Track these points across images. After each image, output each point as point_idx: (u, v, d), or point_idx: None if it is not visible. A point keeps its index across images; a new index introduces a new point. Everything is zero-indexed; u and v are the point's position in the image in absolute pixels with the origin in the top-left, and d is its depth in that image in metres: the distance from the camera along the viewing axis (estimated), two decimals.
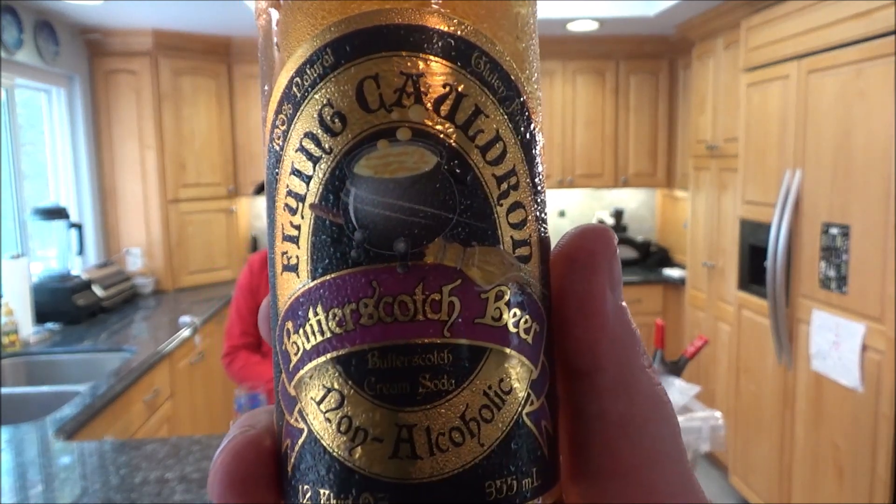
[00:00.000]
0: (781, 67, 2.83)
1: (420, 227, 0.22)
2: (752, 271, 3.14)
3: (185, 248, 4.11)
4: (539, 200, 0.25)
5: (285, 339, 0.24)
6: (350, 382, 0.23)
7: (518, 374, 0.24)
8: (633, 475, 0.25)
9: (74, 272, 3.42)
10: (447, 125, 0.23)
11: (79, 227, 3.42)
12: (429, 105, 0.22)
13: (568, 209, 4.94)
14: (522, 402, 0.24)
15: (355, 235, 0.22)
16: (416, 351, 0.22)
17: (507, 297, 0.23)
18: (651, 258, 4.71)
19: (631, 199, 4.99)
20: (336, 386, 0.23)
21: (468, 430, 0.23)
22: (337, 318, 0.23)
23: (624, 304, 0.26)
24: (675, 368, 2.16)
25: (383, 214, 0.22)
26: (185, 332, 3.12)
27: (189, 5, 3.39)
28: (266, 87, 0.25)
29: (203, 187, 4.18)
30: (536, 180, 0.25)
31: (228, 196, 4.32)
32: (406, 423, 0.22)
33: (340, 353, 0.23)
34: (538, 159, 0.25)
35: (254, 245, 4.69)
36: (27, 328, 2.93)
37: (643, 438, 0.25)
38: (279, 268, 0.24)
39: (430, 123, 0.22)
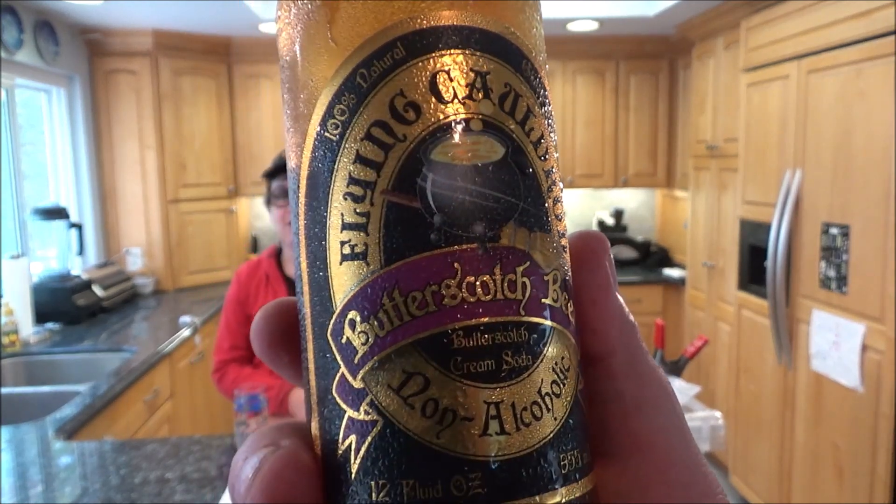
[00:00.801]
0: (781, 67, 2.83)
1: (496, 211, 0.24)
2: (752, 271, 3.14)
3: (185, 248, 4.11)
4: (563, 199, 0.27)
5: (347, 331, 0.24)
6: (435, 364, 0.23)
7: (572, 352, 0.25)
8: (649, 450, 0.27)
9: (74, 272, 3.42)
10: (510, 120, 0.24)
11: (79, 227, 3.42)
12: (495, 100, 0.24)
13: (568, 209, 4.92)
14: (577, 380, 0.25)
15: (434, 219, 0.23)
16: (498, 329, 0.23)
17: (559, 281, 0.25)
18: (651, 258, 4.71)
19: (631, 199, 4.99)
20: (419, 369, 0.23)
21: (544, 404, 0.24)
22: (417, 301, 0.23)
23: (621, 297, 0.29)
24: (675, 368, 2.16)
25: (462, 199, 0.23)
26: (185, 332, 3.12)
27: (189, 5, 3.39)
28: (310, 81, 0.25)
29: (203, 187, 4.18)
30: (560, 179, 0.27)
31: (228, 196, 4.32)
32: (494, 399, 0.23)
33: (422, 335, 0.23)
34: (558, 163, 0.27)
35: (254, 245, 4.69)
36: (27, 328, 2.93)
37: (656, 415, 0.27)
38: (337, 258, 0.24)
39: (498, 117, 0.24)
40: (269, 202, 1.94)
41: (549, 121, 0.26)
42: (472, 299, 0.23)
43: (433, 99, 0.23)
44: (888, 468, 2.26)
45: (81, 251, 3.47)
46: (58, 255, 3.35)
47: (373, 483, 0.23)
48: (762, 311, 2.99)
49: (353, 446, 0.23)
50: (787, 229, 2.73)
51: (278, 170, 1.90)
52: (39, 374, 2.78)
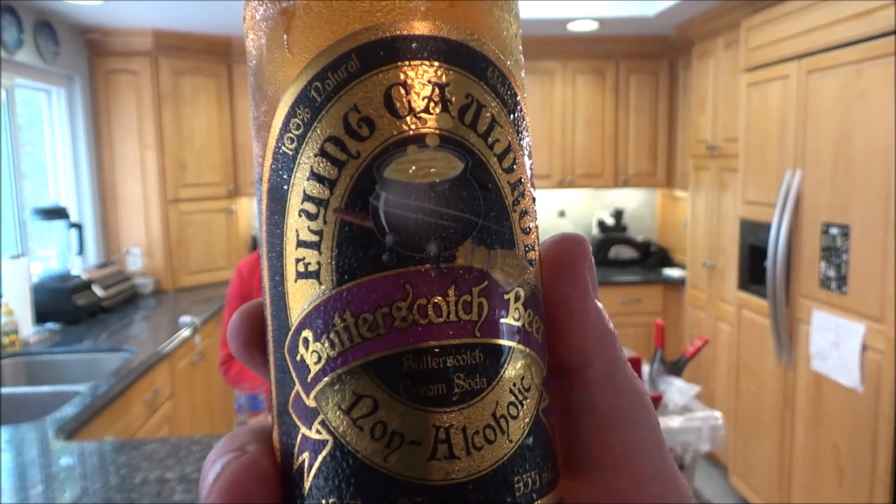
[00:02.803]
0: (781, 67, 2.83)
1: (451, 231, 0.23)
2: (752, 271, 3.14)
3: (185, 248, 4.11)
4: (535, 209, 0.26)
5: (301, 350, 0.23)
6: (384, 387, 0.22)
7: (534, 371, 0.25)
8: (621, 464, 0.26)
9: (74, 272, 3.42)
10: (471, 133, 0.23)
11: (79, 227, 3.42)
12: (454, 113, 0.23)
13: (568, 209, 4.94)
14: (539, 399, 0.25)
15: (387, 239, 0.22)
16: (450, 352, 0.23)
17: (522, 299, 0.24)
18: (651, 258, 4.71)
19: (631, 199, 4.99)
20: (368, 392, 0.22)
21: (499, 427, 0.23)
22: (368, 323, 0.22)
23: (600, 304, 0.28)
24: (675, 368, 2.16)
25: (416, 218, 0.22)
26: (185, 332, 3.12)
27: (189, 5, 3.39)
28: (269, 91, 0.24)
29: (203, 187, 4.18)
30: (533, 190, 0.26)
31: (228, 196, 4.32)
32: (443, 424, 0.22)
33: (372, 357, 0.22)
34: (531, 171, 0.26)
35: (253, 245, 4.69)
36: (27, 328, 2.93)
37: (629, 428, 0.27)
38: (292, 275, 0.24)
39: (457, 131, 0.23)
40: None
41: (520, 129, 0.25)
42: (423, 322, 0.22)
43: (387, 114, 0.23)
44: (888, 468, 2.26)
45: (81, 251, 3.47)
46: (58, 255, 3.35)
47: (323, 501, 0.23)
48: (762, 311, 2.99)
49: (306, 463, 0.23)
50: (787, 229, 2.73)
51: None
52: (39, 374, 2.78)
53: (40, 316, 3.07)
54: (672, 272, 4.41)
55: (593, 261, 0.28)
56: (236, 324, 0.27)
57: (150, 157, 3.94)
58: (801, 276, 2.71)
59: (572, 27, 4.09)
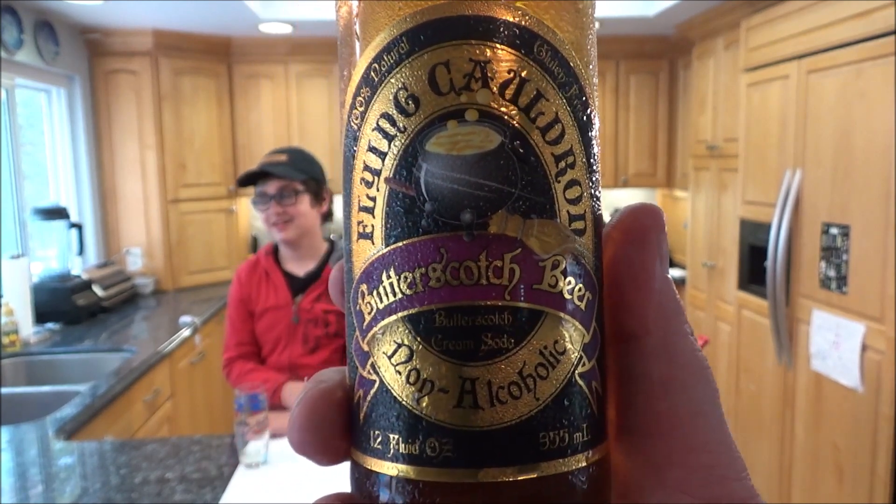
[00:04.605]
0: (781, 67, 2.83)
1: (485, 200, 0.24)
2: (752, 271, 3.14)
3: (185, 248, 4.11)
4: (594, 179, 0.28)
5: (360, 300, 0.27)
6: (419, 339, 0.25)
7: (571, 336, 0.26)
8: (671, 433, 0.27)
9: (74, 272, 3.42)
10: (511, 108, 0.25)
11: (79, 227, 3.42)
12: (495, 89, 0.25)
13: None
14: (575, 363, 0.26)
15: (426, 206, 0.25)
16: (479, 312, 0.25)
17: (562, 266, 0.26)
18: None
19: (631, 199, 4.98)
20: (406, 342, 0.25)
21: (525, 385, 0.25)
22: (408, 281, 0.25)
23: (669, 276, 0.28)
24: None
25: (451, 188, 0.24)
26: (185, 332, 3.12)
27: (189, 5, 3.39)
28: (345, 72, 0.27)
29: (203, 187, 4.18)
30: (592, 160, 0.27)
31: (228, 196, 4.32)
32: (469, 376, 0.25)
33: (411, 312, 0.25)
34: (594, 140, 0.27)
35: (254, 245, 4.69)
36: (27, 328, 2.93)
37: (683, 399, 0.27)
38: (355, 236, 0.27)
39: (496, 106, 0.25)
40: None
41: (572, 101, 0.26)
42: (454, 283, 0.24)
43: (431, 91, 0.25)
44: (888, 468, 2.26)
45: (81, 251, 3.46)
46: (58, 255, 3.35)
47: (371, 432, 0.26)
48: (762, 311, 2.99)
49: (361, 398, 0.27)
50: (787, 229, 2.73)
51: (248, 180, 1.97)
52: (39, 374, 2.78)
53: (40, 316, 3.07)
54: (672, 272, 4.41)
55: (666, 231, 0.28)
56: (336, 275, 0.30)
57: (150, 157, 3.94)
58: (801, 276, 2.71)
59: None
